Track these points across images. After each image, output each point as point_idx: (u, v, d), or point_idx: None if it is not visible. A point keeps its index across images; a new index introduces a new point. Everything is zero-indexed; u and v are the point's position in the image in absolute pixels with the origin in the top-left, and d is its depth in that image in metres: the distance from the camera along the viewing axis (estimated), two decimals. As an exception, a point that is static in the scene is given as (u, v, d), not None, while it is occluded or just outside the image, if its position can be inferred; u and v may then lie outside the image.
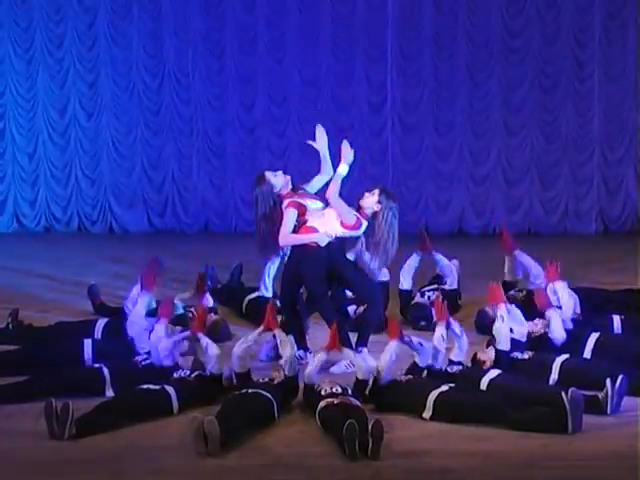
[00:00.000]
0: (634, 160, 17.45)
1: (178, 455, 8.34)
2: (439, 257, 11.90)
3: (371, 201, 10.12)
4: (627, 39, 17.56)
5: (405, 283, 11.82)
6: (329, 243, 10.06)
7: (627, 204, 17.64)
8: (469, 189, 17.56)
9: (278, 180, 10.11)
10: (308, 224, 10.06)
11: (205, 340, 9.40)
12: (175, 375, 9.38)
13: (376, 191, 10.14)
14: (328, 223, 10.11)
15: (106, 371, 9.55)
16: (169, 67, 17.79)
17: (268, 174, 10.06)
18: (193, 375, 9.31)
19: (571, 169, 17.82)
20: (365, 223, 10.10)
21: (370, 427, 8.25)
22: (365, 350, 10.25)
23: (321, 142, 10.14)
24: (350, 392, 8.94)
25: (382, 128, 17.76)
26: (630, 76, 17.60)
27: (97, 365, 9.56)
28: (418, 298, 11.89)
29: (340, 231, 10.09)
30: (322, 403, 8.74)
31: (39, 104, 17.86)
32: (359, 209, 10.10)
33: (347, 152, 9.91)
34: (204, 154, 17.90)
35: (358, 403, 8.81)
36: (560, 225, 17.90)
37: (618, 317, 10.68)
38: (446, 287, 11.68)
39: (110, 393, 9.46)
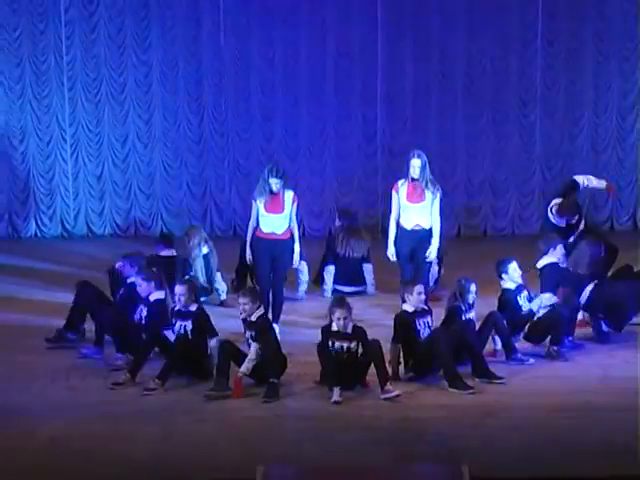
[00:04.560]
0: (566, 177, 17.08)
1: (215, 406, 8.88)
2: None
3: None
4: (561, 83, 17.89)
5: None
6: None
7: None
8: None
9: None
10: None
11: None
12: None
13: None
14: None
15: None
16: (208, 107, 18.02)
17: None
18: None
19: (517, 184, 18.17)
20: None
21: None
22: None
23: None
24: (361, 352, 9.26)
25: (374, 153, 18.10)
26: (566, 113, 17.94)
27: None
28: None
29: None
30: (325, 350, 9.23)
31: (105, 137, 18.08)
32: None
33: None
34: (235, 174, 18.14)
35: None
36: (509, 228, 18.21)
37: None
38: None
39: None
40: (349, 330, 9.31)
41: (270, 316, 10.54)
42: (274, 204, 10.98)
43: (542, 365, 10.15)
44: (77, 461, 7.83)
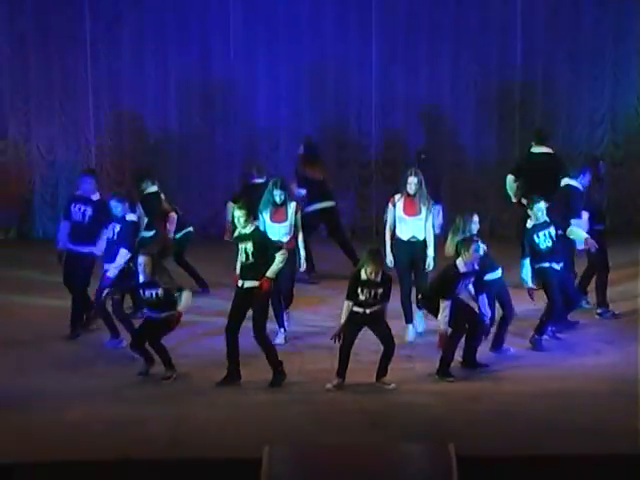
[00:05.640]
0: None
1: (226, 392, 8.99)
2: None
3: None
4: (537, 99, 17.73)
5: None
6: None
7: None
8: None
9: None
10: None
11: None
12: None
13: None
14: None
15: None
16: (218, 119, 17.68)
17: None
18: None
19: (498, 190, 16.68)
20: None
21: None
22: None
23: None
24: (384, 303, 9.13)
25: (369, 161, 18.11)
26: (541, 126, 16.80)
27: None
28: None
29: None
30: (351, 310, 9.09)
31: (125, 148, 17.67)
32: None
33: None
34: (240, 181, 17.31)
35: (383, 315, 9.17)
36: (489, 231, 17.34)
37: None
38: None
39: None
40: (379, 279, 9.20)
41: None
42: (278, 214, 11.43)
43: (522, 354, 10.38)
44: (98, 441, 7.98)
